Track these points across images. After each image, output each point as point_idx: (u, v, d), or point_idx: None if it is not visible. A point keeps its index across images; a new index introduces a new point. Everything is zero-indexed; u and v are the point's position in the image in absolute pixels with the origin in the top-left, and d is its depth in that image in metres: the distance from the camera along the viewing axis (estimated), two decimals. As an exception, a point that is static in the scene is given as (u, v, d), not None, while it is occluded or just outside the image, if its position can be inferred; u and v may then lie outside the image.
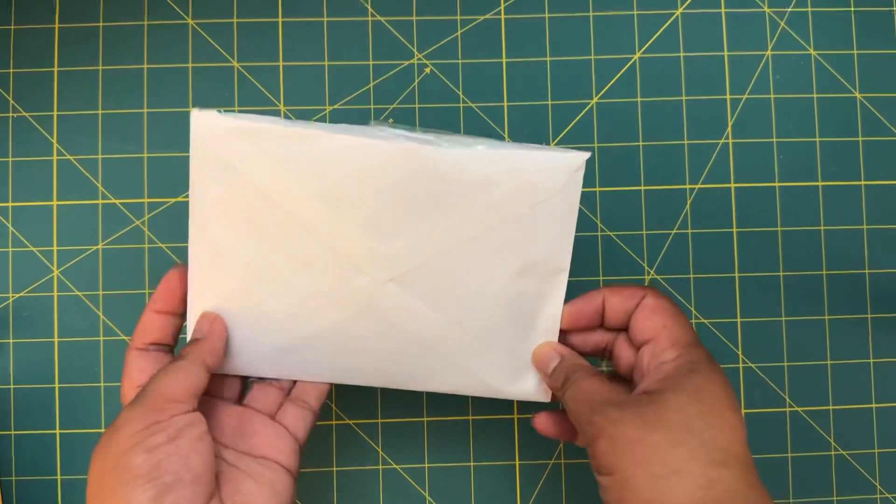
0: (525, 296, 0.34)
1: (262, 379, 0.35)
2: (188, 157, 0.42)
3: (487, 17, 0.43)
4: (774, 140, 0.43)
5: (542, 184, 0.32)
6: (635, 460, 0.28)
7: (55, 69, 0.42)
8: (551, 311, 0.34)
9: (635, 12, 0.44)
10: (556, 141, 0.43)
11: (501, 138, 0.43)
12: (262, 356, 0.34)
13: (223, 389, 0.35)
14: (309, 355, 0.34)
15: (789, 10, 0.44)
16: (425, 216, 0.32)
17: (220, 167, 0.32)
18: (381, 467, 0.42)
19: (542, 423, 0.35)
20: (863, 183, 0.43)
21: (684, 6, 0.44)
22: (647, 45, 0.43)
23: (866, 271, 0.43)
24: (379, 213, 0.32)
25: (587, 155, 0.32)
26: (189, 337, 0.33)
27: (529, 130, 0.43)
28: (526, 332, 0.34)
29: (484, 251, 0.33)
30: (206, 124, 0.31)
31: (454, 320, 0.33)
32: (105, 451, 0.29)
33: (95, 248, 0.42)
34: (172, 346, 0.34)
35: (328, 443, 0.42)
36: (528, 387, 0.35)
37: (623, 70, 0.43)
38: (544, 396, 0.35)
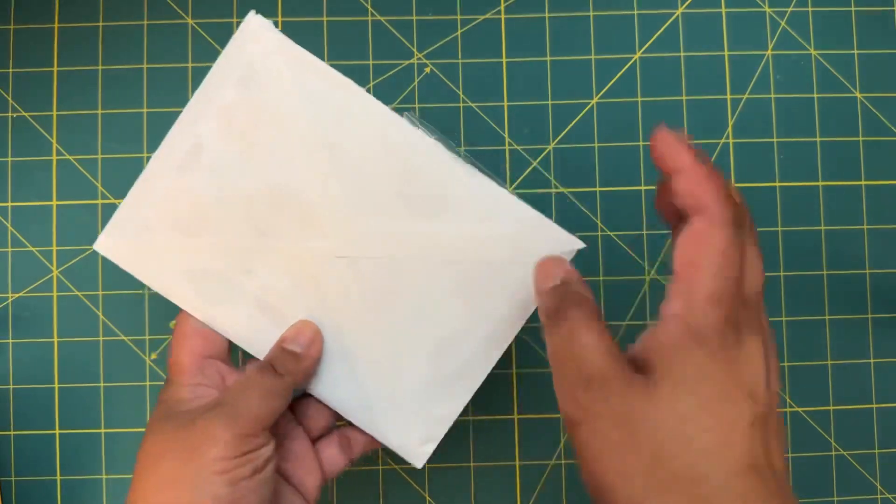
0: (455, 350, 0.32)
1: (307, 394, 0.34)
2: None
3: (487, 16, 0.43)
4: (775, 140, 0.43)
5: (529, 246, 0.31)
6: (615, 469, 0.24)
7: (55, 69, 0.42)
8: (471, 379, 0.32)
9: (636, 12, 0.44)
10: (556, 141, 0.43)
11: (502, 139, 0.43)
12: (185, 273, 0.32)
13: None
14: (230, 297, 0.32)
15: (790, 9, 0.44)
16: (412, 214, 0.31)
17: (247, 74, 0.31)
18: (380, 467, 0.42)
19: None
20: (863, 183, 0.43)
21: (685, 6, 0.44)
22: (647, 44, 0.43)
23: (867, 271, 0.43)
24: (373, 188, 0.31)
25: (581, 245, 0.31)
26: (279, 342, 0.31)
27: (529, 130, 0.43)
28: (436, 385, 0.32)
29: (444, 279, 0.32)
30: (258, 29, 0.31)
31: (378, 329, 0.32)
32: (183, 459, 0.26)
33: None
34: None
35: (328, 443, 0.42)
36: (408, 441, 0.32)
37: (623, 70, 0.43)
38: (417, 460, 0.32)
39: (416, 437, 0.32)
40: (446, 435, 0.42)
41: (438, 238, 0.32)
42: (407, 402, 0.32)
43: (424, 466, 0.42)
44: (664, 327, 0.24)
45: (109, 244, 0.32)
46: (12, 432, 0.41)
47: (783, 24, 0.44)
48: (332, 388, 0.32)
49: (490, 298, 0.32)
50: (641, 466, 0.23)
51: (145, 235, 0.31)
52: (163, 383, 0.31)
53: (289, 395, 0.30)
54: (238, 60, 0.31)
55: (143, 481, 0.27)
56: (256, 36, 0.31)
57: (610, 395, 0.24)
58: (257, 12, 0.31)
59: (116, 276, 0.42)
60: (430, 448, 0.32)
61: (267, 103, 0.31)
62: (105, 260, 0.42)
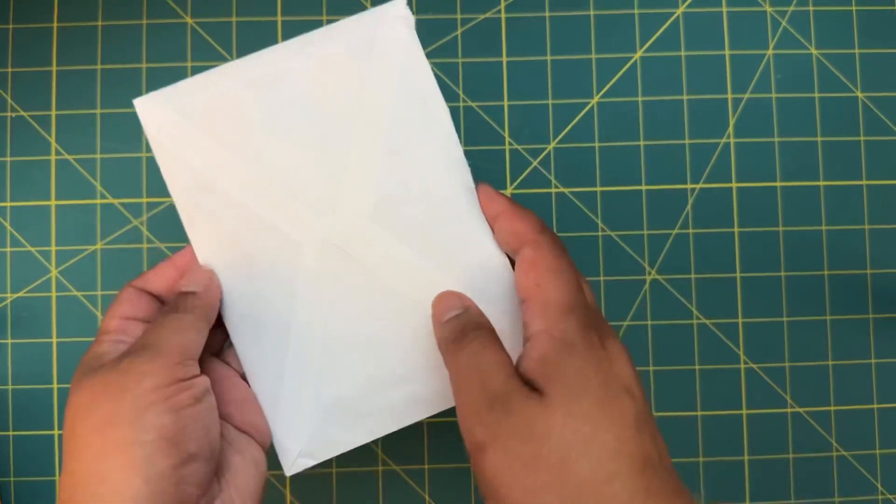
0: (384, 392, 0.31)
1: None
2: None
3: (488, 15, 0.43)
4: (776, 139, 0.43)
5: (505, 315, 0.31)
6: (525, 487, 0.24)
7: (53, 68, 0.42)
8: (383, 423, 0.31)
9: (636, 11, 0.43)
10: (556, 140, 0.43)
11: (502, 139, 0.43)
12: (192, 171, 0.31)
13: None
14: (216, 213, 0.31)
15: (791, 8, 0.44)
16: (424, 253, 0.31)
17: (363, 45, 0.31)
18: (380, 468, 0.42)
19: None
20: (864, 182, 0.43)
21: (685, 5, 0.44)
22: (647, 43, 0.43)
23: (868, 271, 0.43)
24: (407, 211, 0.31)
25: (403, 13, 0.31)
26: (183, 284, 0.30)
27: (530, 130, 0.43)
28: (347, 413, 0.31)
29: (412, 325, 0.31)
30: (399, 17, 0.31)
31: (326, 332, 0.31)
32: (114, 399, 0.25)
33: (94, 248, 0.42)
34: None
35: (328, 443, 0.42)
36: (289, 444, 0.31)
37: (624, 69, 0.43)
38: (288, 467, 0.31)
39: (298, 446, 0.31)
40: (446, 436, 0.42)
41: (430, 290, 0.31)
42: (311, 411, 0.31)
43: (424, 467, 0.42)
44: (535, 344, 0.26)
45: (148, 106, 0.31)
46: (11, 433, 0.41)
47: (784, 23, 0.44)
48: (253, 353, 0.31)
49: (442, 369, 0.30)
50: (552, 479, 0.24)
51: (182, 118, 0.31)
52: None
53: (202, 328, 0.29)
54: (363, 29, 0.31)
55: (78, 431, 0.25)
56: (394, 21, 0.31)
57: (512, 413, 0.25)
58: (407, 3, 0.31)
59: (115, 276, 0.42)
60: (306, 463, 0.31)
61: (362, 80, 0.31)
62: (104, 260, 0.42)
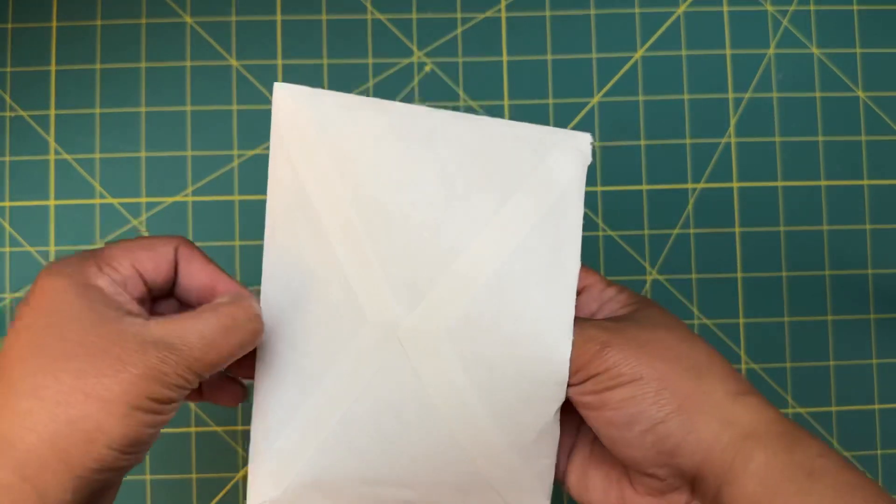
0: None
1: None
2: (185, 156, 0.42)
3: (488, 14, 0.43)
4: (777, 139, 0.43)
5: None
6: (661, 357, 0.27)
7: (52, 68, 0.42)
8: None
9: (637, 10, 0.43)
10: (557, 140, 0.43)
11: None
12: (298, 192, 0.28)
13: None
14: (302, 233, 0.28)
15: (792, 8, 0.44)
16: (484, 404, 0.29)
17: (528, 158, 0.29)
18: None
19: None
20: (865, 182, 0.43)
21: (686, 4, 0.43)
22: (648, 43, 0.43)
23: (869, 271, 0.43)
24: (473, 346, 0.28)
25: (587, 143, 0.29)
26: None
27: (530, 129, 0.43)
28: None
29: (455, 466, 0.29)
30: (581, 150, 0.29)
31: (367, 406, 0.29)
32: (113, 366, 0.24)
33: (93, 248, 0.42)
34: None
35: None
36: (259, 487, 0.29)
37: (625, 68, 0.43)
38: (253, 494, 0.29)
39: (273, 492, 0.29)
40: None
41: (471, 432, 0.28)
42: (299, 471, 0.29)
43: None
44: (620, 298, 0.30)
45: (286, 96, 0.28)
46: (10, 433, 0.41)
47: (785, 22, 0.44)
48: (268, 387, 0.29)
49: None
50: (675, 346, 0.28)
51: (312, 126, 0.28)
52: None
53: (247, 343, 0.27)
54: (539, 144, 0.29)
55: (46, 351, 0.24)
56: (572, 153, 0.28)
57: (615, 321, 0.29)
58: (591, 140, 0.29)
59: (115, 276, 0.42)
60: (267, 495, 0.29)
61: (510, 190, 0.28)
62: (103, 260, 0.41)
